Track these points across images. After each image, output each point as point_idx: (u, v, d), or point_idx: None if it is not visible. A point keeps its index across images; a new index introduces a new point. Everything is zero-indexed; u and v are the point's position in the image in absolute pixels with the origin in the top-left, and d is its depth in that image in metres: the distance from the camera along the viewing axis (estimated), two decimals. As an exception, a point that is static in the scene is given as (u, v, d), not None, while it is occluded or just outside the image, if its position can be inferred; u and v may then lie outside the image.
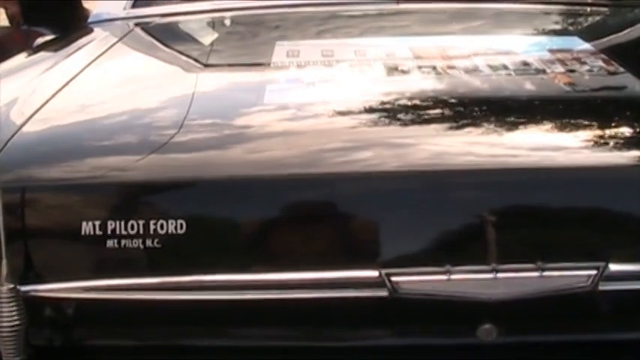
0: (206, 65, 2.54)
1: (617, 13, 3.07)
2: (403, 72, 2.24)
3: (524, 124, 1.99)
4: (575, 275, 1.80)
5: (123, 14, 3.09)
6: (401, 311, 1.82)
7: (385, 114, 2.03)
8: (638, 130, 1.98)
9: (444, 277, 1.78)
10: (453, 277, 1.78)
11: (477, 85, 2.17)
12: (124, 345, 1.87)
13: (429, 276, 1.78)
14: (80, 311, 1.83)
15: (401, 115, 2.03)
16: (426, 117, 2.04)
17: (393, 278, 1.78)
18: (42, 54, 2.86)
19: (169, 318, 1.83)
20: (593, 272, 1.79)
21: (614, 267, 1.80)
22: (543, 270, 1.78)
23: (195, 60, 2.61)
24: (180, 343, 1.86)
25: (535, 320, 1.86)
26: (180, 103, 2.09)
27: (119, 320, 1.85)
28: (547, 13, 2.98)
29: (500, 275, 1.78)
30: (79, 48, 2.71)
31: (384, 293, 1.78)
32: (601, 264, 1.79)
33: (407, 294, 1.79)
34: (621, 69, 2.24)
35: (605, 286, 1.80)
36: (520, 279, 1.79)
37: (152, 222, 1.78)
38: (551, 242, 1.81)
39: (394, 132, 1.97)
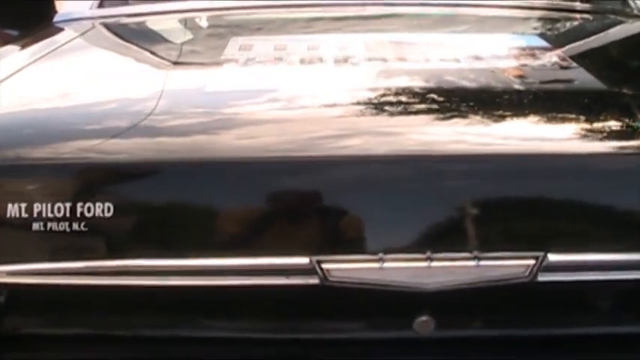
0: (159, 58, 2.50)
1: (587, 20, 3.03)
2: (353, 64, 2.20)
3: (466, 112, 1.95)
4: (513, 265, 1.74)
5: (89, 14, 3.06)
6: (333, 300, 1.76)
7: (327, 102, 1.99)
8: (578, 119, 1.93)
9: (376, 265, 1.72)
10: (386, 265, 1.72)
11: (424, 76, 2.13)
12: (49, 332, 1.82)
13: (362, 264, 1.73)
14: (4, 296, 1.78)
15: (344, 104, 1.98)
16: (367, 105, 1.98)
17: (324, 265, 1.72)
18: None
19: (95, 304, 1.78)
20: (532, 262, 1.74)
21: (553, 257, 1.75)
22: (480, 259, 1.73)
23: (151, 54, 2.57)
24: (106, 331, 1.81)
25: (473, 313, 1.81)
26: (120, 92, 2.06)
27: (46, 306, 1.80)
28: (513, 18, 2.93)
29: (435, 264, 1.73)
30: (36, 42, 2.67)
31: (314, 281, 1.73)
32: (540, 254, 1.74)
33: (338, 282, 1.73)
34: (574, 64, 2.20)
35: (544, 277, 1.75)
36: (456, 268, 1.74)
37: (79, 205, 1.73)
38: (489, 231, 1.76)
39: (332, 118, 1.92)
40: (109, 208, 1.73)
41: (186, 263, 1.74)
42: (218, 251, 1.74)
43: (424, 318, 1.77)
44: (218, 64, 2.28)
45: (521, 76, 2.10)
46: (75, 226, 1.73)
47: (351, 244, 1.74)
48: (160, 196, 1.76)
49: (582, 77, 2.18)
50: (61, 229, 1.73)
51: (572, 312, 1.81)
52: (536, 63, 2.21)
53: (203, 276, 1.74)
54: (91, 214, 1.73)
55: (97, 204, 1.73)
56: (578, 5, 3.09)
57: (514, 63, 2.21)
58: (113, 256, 1.75)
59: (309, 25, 2.82)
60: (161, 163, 1.77)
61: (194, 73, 2.32)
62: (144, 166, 1.77)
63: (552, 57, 2.29)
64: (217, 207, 1.77)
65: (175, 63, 2.39)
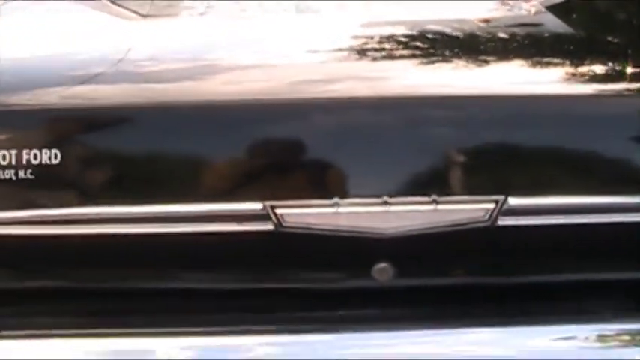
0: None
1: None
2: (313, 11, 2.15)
3: (425, 56, 1.90)
4: (473, 209, 1.70)
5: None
6: (288, 247, 1.72)
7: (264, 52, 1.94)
8: (539, 63, 1.89)
9: (331, 210, 1.68)
10: (342, 210, 1.68)
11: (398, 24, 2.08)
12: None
13: (316, 209, 1.68)
14: None
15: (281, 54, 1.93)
16: (319, 52, 1.93)
17: (278, 211, 1.68)
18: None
19: (44, 254, 1.73)
20: (492, 206, 1.70)
21: (514, 201, 1.70)
22: (438, 203, 1.68)
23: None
24: (56, 283, 1.76)
25: (433, 259, 1.76)
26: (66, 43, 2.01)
27: None
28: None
29: (392, 209, 1.68)
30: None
31: (268, 227, 1.68)
32: (500, 197, 1.69)
33: (293, 228, 1.68)
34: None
35: (504, 221, 1.70)
36: (414, 213, 1.69)
37: (25, 152, 1.68)
38: (449, 175, 1.71)
39: (282, 66, 1.86)
40: (56, 155, 1.68)
41: (137, 210, 1.69)
42: (169, 198, 1.69)
43: (383, 265, 1.73)
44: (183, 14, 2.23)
45: (491, 22, 2.04)
46: (21, 174, 1.68)
47: (306, 188, 1.69)
48: (109, 142, 1.71)
49: (553, 24, 2.13)
50: (7, 177, 1.68)
51: (533, 257, 1.76)
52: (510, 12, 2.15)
53: (154, 223, 1.69)
54: (37, 162, 1.68)
55: (44, 151, 1.68)
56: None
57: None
58: (61, 204, 1.70)
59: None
60: (109, 109, 1.72)
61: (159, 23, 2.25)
62: (92, 113, 1.72)
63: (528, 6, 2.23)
64: (168, 153, 1.71)
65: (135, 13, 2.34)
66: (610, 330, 1.76)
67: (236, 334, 1.74)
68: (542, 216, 1.71)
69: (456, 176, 1.71)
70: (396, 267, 1.73)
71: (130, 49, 1.93)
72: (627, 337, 1.76)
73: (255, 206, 1.67)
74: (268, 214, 1.67)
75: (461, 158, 1.71)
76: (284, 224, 1.68)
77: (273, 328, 1.76)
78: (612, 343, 1.76)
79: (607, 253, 1.76)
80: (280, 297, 1.78)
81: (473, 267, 1.78)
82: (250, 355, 1.71)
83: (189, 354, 1.70)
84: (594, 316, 1.78)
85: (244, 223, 1.68)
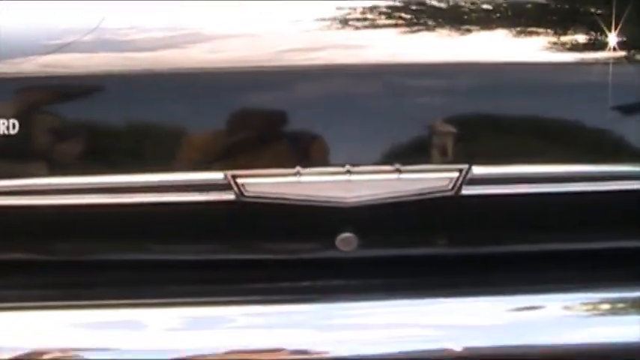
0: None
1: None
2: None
3: (390, 24, 1.87)
4: (436, 178, 1.68)
5: None
6: (250, 217, 1.70)
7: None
8: (509, 31, 1.86)
9: (294, 179, 1.66)
10: (304, 179, 1.66)
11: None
12: None
13: (278, 178, 1.67)
14: None
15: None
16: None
17: (240, 180, 1.66)
18: None
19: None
20: (456, 175, 1.68)
21: (478, 170, 1.69)
22: (402, 172, 1.67)
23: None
24: (15, 255, 1.75)
25: (398, 229, 1.74)
26: None
27: None
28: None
29: (355, 178, 1.67)
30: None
31: (230, 197, 1.67)
32: (464, 166, 1.68)
33: (254, 197, 1.67)
34: None
35: (469, 190, 1.69)
36: (376, 182, 1.67)
37: None
38: (412, 144, 1.70)
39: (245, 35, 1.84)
40: (14, 125, 1.66)
41: (98, 180, 1.67)
42: (130, 168, 1.67)
43: (346, 235, 1.72)
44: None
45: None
46: None
47: (268, 158, 1.68)
48: (70, 112, 1.69)
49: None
50: None
51: (498, 227, 1.75)
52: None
53: (114, 193, 1.67)
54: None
55: (2, 121, 1.66)
56: None
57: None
58: (23, 175, 1.68)
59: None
60: (70, 78, 1.70)
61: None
62: (52, 82, 1.70)
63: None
64: (129, 122, 1.69)
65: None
66: (575, 299, 1.75)
67: (198, 306, 1.72)
68: (506, 185, 1.70)
69: (419, 145, 1.69)
70: (360, 237, 1.72)
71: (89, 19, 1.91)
72: (590, 307, 1.75)
73: (217, 176, 1.66)
74: (230, 184, 1.65)
75: (425, 127, 1.69)
76: (245, 194, 1.66)
77: (236, 299, 1.74)
78: (576, 313, 1.75)
79: (572, 222, 1.75)
80: (244, 268, 1.77)
81: (438, 237, 1.76)
82: (210, 326, 1.70)
83: (148, 325, 1.69)
84: (559, 286, 1.77)
85: (206, 193, 1.67)
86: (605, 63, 1.73)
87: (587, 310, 1.76)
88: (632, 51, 1.76)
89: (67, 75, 1.70)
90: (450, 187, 1.68)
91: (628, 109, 1.71)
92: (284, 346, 1.70)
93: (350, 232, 1.71)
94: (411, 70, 1.71)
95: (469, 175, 1.68)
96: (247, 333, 1.69)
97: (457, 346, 1.72)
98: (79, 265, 1.77)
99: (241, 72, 1.68)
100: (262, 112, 1.68)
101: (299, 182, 1.66)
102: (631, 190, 1.71)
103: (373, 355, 1.72)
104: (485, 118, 1.71)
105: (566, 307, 1.76)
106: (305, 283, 1.77)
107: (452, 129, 1.70)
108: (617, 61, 1.74)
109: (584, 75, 1.74)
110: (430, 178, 1.68)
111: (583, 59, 1.78)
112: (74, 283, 1.77)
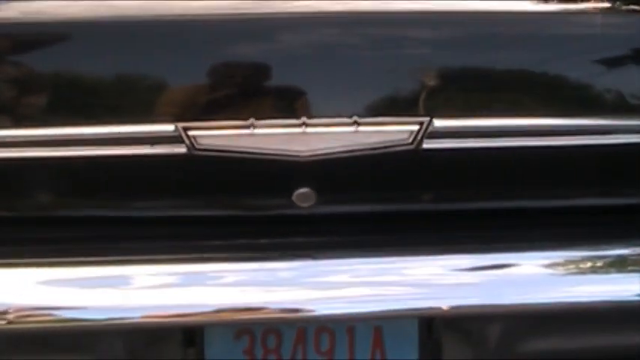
0: None
1: None
2: None
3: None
4: (396, 131, 1.62)
5: None
6: (203, 171, 1.64)
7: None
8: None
9: (247, 131, 1.60)
10: (258, 131, 1.60)
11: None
12: None
13: (231, 130, 1.60)
14: None
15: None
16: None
17: (191, 132, 1.60)
18: None
19: None
20: (416, 128, 1.62)
21: (440, 123, 1.62)
22: (359, 125, 1.61)
23: None
24: None
25: (357, 184, 1.68)
26: None
27: None
28: None
29: (310, 130, 1.61)
30: None
31: (181, 150, 1.60)
32: (425, 119, 1.61)
33: (207, 150, 1.61)
34: None
35: (430, 144, 1.63)
36: (333, 134, 1.61)
37: None
38: (371, 95, 1.63)
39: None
40: None
41: (45, 133, 1.61)
42: (76, 119, 1.61)
43: (304, 190, 1.65)
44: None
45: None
46: None
47: (221, 109, 1.61)
48: (14, 62, 1.63)
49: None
50: None
51: (460, 182, 1.68)
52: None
53: (62, 146, 1.61)
54: None
55: None
56: None
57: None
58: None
59: None
60: (16, 26, 1.64)
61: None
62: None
63: None
64: (75, 72, 1.63)
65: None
66: (543, 258, 1.70)
67: (148, 264, 1.67)
68: (470, 139, 1.64)
69: (379, 97, 1.63)
70: (317, 192, 1.65)
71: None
72: (560, 265, 1.70)
73: (167, 128, 1.60)
74: (181, 136, 1.59)
75: (384, 78, 1.63)
76: (197, 146, 1.60)
77: (189, 257, 1.69)
78: (532, 271, 1.69)
79: (538, 178, 1.68)
80: (197, 225, 1.71)
81: (398, 192, 1.70)
82: (159, 283, 1.65)
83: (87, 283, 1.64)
84: (530, 244, 1.71)
85: (156, 146, 1.61)
86: (566, 13, 1.67)
87: (556, 268, 1.71)
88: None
89: (12, 23, 1.64)
90: (411, 140, 1.61)
91: (590, 61, 1.66)
92: (236, 303, 1.65)
93: (307, 187, 1.65)
94: (371, 20, 1.64)
95: (430, 128, 1.61)
96: (196, 291, 1.64)
97: (421, 305, 1.67)
98: (30, 221, 1.71)
99: (192, 21, 1.62)
100: (215, 62, 1.61)
101: (253, 135, 1.60)
102: (598, 145, 1.65)
103: (329, 315, 1.67)
104: (448, 69, 1.65)
105: (535, 266, 1.71)
106: (262, 241, 1.71)
107: (413, 81, 1.64)
108: (578, 11, 1.67)
109: (547, 26, 1.67)
110: (389, 131, 1.62)
111: (546, 10, 1.71)
112: (26, 240, 1.71)
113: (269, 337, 1.77)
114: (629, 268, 1.72)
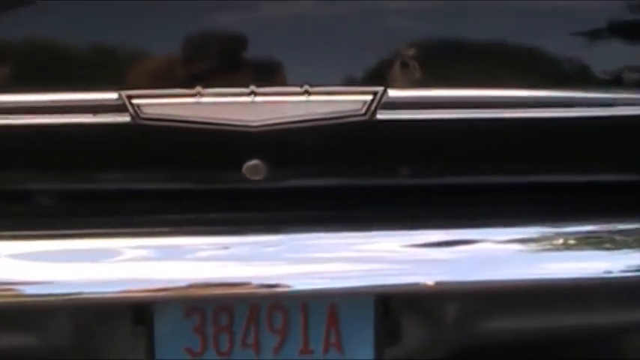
0: None
1: None
2: None
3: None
4: (348, 101, 1.56)
5: None
6: (148, 142, 1.58)
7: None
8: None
9: (193, 100, 1.54)
10: (205, 100, 1.54)
11: None
12: None
13: (177, 99, 1.54)
14: None
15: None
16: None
17: (135, 101, 1.54)
18: None
19: None
20: (369, 98, 1.56)
21: (394, 93, 1.56)
22: (310, 94, 1.55)
23: None
24: None
25: (309, 157, 1.62)
26: None
27: None
28: None
29: (260, 99, 1.55)
30: None
31: (125, 119, 1.54)
32: (379, 89, 1.55)
33: (151, 120, 1.55)
34: None
35: (384, 115, 1.57)
36: (283, 104, 1.55)
37: None
38: (322, 63, 1.57)
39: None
40: None
41: None
42: (13, 86, 1.55)
43: (254, 162, 1.59)
44: None
45: None
46: None
47: (166, 77, 1.55)
48: None
49: None
50: None
51: (416, 155, 1.62)
52: None
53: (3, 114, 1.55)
54: None
55: None
56: None
57: None
58: None
59: None
60: None
61: None
62: None
63: None
64: (14, 37, 1.57)
65: None
66: (494, 234, 1.65)
67: (90, 237, 1.61)
68: (426, 110, 1.58)
69: (331, 65, 1.57)
70: (268, 165, 1.59)
71: None
72: (507, 241, 1.64)
73: (111, 96, 1.54)
74: (125, 105, 1.53)
75: (337, 46, 1.57)
76: (142, 115, 1.54)
77: (138, 231, 1.63)
78: (494, 248, 1.64)
79: (495, 153, 1.63)
80: (146, 199, 1.65)
81: (353, 166, 1.64)
82: (103, 258, 1.59)
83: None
84: (483, 221, 1.66)
85: (99, 115, 1.55)
86: None
87: (520, 245, 1.66)
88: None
89: None
90: (364, 111, 1.56)
91: (552, 29, 1.60)
92: (185, 278, 1.60)
93: (257, 159, 1.59)
94: None
95: (385, 99, 1.56)
96: (140, 266, 1.58)
97: (377, 282, 1.62)
98: None
99: None
100: (160, 28, 1.55)
101: (199, 104, 1.54)
102: (558, 118, 1.59)
103: (281, 292, 1.62)
104: (403, 37, 1.59)
105: (498, 242, 1.66)
106: (211, 215, 1.65)
107: (367, 49, 1.57)
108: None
109: None
110: (342, 101, 1.56)
111: None
112: None
113: (220, 314, 1.72)
114: (600, 245, 1.67)
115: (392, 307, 1.73)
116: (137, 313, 1.72)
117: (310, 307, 1.72)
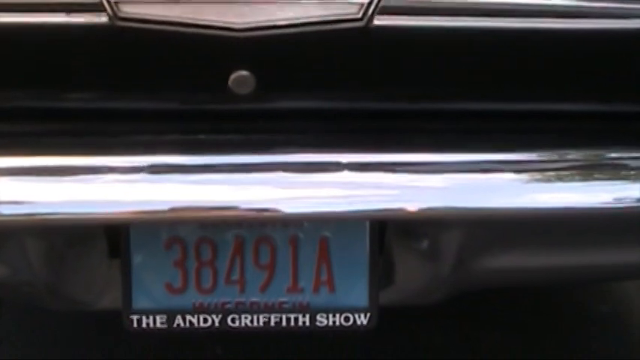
0: None
1: None
2: None
3: None
4: (344, 3, 1.44)
5: None
6: (127, 46, 1.46)
7: None
8: None
9: None
10: (188, -1, 1.43)
11: None
12: None
13: None
14: None
15: None
16: None
17: (113, -1, 1.43)
18: None
19: None
20: (366, 1, 1.44)
21: (393, -4, 1.45)
22: None
23: None
24: None
25: (301, 67, 1.50)
26: None
27: None
28: None
29: (247, -4, 1.43)
30: None
31: (102, 19, 1.43)
32: None
33: (131, 20, 1.43)
34: None
35: (382, 21, 1.45)
36: (273, 5, 1.44)
37: None
38: None
39: None
40: None
41: None
42: None
43: (242, 73, 1.47)
44: None
45: None
46: None
47: None
48: None
49: None
50: None
51: (417, 70, 1.50)
52: None
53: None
54: None
55: None
56: None
57: None
58: None
59: None
60: None
61: None
62: None
63: None
64: None
65: None
66: (497, 161, 1.54)
67: (64, 156, 1.50)
68: (429, 17, 1.46)
69: None
70: (256, 76, 1.47)
71: None
72: (511, 170, 1.52)
73: None
74: (102, 3, 1.42)
75: None
76: (120, 15, 1.42)
77: (116, 150, 1.51)
78: (497, 176, 1.53)
79: (495, 68, 1.51)
80: (125, 114, 1.53)
81: (347, 79, 1.51)
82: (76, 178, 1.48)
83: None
84: (486, 146, 1.55)
85: (74, 14, 1.43)
86: None
87: (522, 174, 1.53)
88: None
89: None
90: (360, 15, 1.44)
91: None
92: (163, 200, 1.47)
93: (244, 69, 1.46)
94: None
95: (383, 2, 1.44)
96: (117, 186, 1.47)
97: (373, 207, 1.49)
98: None
99: None
100: None
101: (181, 2, 1.42)
102: (564, 31, 1.48)
103: (269, 216, 1.50)
104: None
105: (501, 170, 1.53)
106: (198, 132, 1.53)
107: None
108: None
109: None
110: (336, 3, 1.44)
111: None
112: None
113: (202, 247, 1.59)
114: (598, 175, 1.55)
115: (387, 241, 1.60)
116: (113, 245, 1.59)
117: (300, 240, 1.59)
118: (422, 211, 1.49)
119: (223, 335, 2.09)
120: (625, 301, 2.40)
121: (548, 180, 1.53)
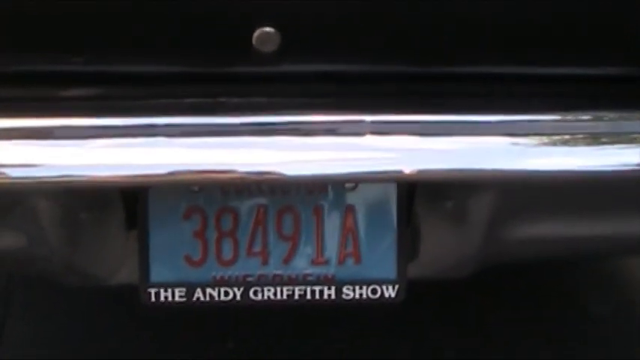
0: None
1: None
2: None
3: None
4: None
5: None
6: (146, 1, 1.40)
7: None
8: None
9: None
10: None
11: None
12: None
13: None
14: None
15: None
16: None
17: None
18: None
19: None
20: None
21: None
22: None
23: None
24: None
25: (331, 25, 1.43)
26: None
27: None
28: None
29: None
30: None
31: None
32: None
33: None
34: None
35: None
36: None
37: None
38: None
39: None
40: None
41: None
42: None
43: (267, 29, 1.40)
44: None
45: None
46: None
47: None
48: None
49: None
50: None
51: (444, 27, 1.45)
52: None
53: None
54: None
55: None
56: None
57: None
58: None
59: None
60: None
61: None
62: None
63: None
64: None
65: None
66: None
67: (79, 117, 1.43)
68: None
69: None
70: (283, 33, 1.40)
71: None
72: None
73: None
74: None
75: None
76: None
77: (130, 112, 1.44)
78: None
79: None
80: (149, 80, 1.46)
81: (378, 36, 1.45)
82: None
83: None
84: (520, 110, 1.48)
85: None
86: None
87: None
88: None
89: None
90: None
91: None
92: (186, 162, 1.41)
93: (270, 25, 1.40)
94: None
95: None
96: (133, 150, 1.40)
97: (400, 168, 1.43)
98: None
99: None
100: None
101: None
102: None
103: (295, 176, 1.43)
104: None
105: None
106: (218, 93, 1.46)
107: None
108: None
109: None
110: None
111: None
112: None
113: (223, 217, 1.53)
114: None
115: (415, 212, 1.54)
116: (130, 215, 1.53)
117: (325, 209, 1.53)
118: (450, 171, 1.43)
119: (235, 329, 2.05)
120: (625, 301, 2.36)
121: (584, 143, 1.47)
